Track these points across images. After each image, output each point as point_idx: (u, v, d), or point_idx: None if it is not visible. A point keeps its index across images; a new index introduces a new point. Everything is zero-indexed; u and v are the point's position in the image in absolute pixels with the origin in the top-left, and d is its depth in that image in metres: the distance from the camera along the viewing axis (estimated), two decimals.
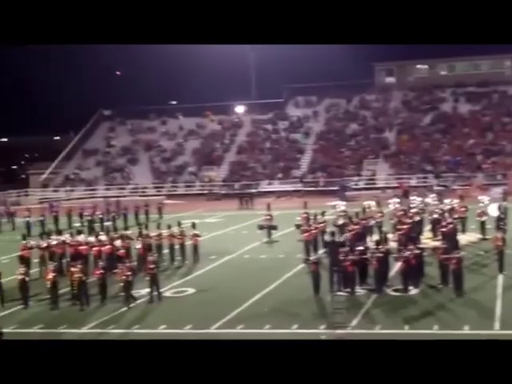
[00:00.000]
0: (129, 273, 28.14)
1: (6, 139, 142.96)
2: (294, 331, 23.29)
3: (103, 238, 35.64)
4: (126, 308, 27.49)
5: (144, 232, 36.56)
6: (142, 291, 29.24)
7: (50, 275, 28.65)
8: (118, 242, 34.48)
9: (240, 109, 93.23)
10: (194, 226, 37.32)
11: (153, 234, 36.46)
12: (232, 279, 32.35)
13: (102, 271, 28.90)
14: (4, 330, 22.02)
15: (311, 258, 29.97)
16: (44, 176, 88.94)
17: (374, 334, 22.42)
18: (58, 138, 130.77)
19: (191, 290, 30.33)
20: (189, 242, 36.51)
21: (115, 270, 29.19)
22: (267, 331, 23.43)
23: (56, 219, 53.23)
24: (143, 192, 79.25)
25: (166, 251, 36.44)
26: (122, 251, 32.98)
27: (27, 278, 29.19)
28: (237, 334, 23.38)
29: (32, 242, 36.56)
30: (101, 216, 51.76)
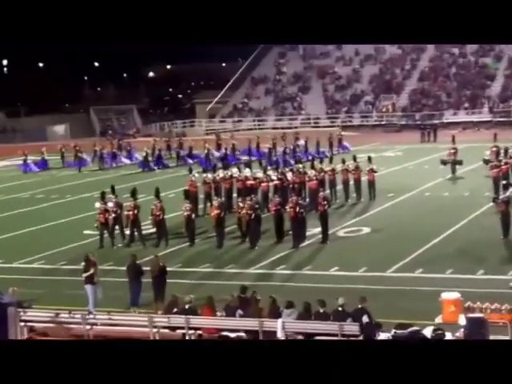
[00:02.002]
0: (301, 210, 28.25)
1: (169, 66, 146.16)
2: (480, 277, 23.09)
3: (271, 172, 35.57)
4: (295, 248, 27.83)
5: (318, 166, 36.31)
6: (314, 230, 29.51)
7: (215, 212, 28.97)
8: (289, 175, 34.61)
9: None
10: (370, 160, 37.11)
11: (326, 168, 36.44)
12: (411, 218, 32.21)
13: (277, 207, 29.03)
14: (169, 269, 22.61)
15: (501, 197, 29.40)
16: (210, 105, 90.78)
17: None
18: (224, 64, 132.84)
19: (366, 230, 30.46)
20: (364, 178, 36.48)
21: (286, 207, 29.23)
22: (449, 276, 23.32)
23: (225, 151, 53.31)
24: (315, 123, 79.66)
25: (339, 187, 36.59)
26: (293, 186, 33.20)
27: (193, 215, 29.47)
28: (415, 278, 23.41)
29: (197, 175, 36.68)
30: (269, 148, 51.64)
